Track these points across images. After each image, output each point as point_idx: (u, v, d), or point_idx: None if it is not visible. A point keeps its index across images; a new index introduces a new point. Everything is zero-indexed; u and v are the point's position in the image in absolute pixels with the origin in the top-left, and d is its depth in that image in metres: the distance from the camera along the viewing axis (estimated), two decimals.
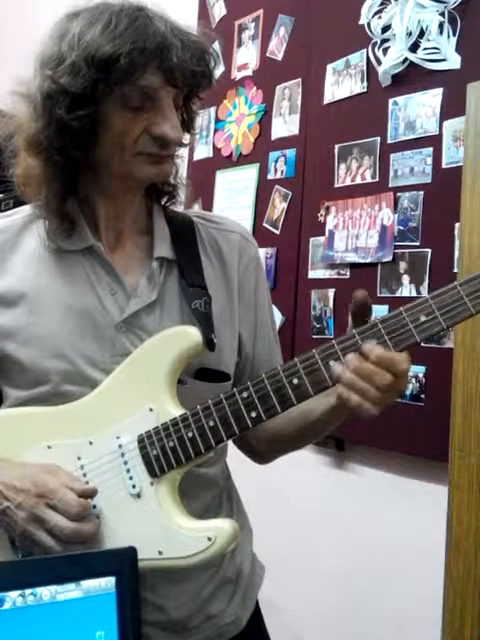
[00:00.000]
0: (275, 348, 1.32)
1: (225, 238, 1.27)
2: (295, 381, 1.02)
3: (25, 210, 1.23)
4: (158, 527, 1.07)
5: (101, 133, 1.09)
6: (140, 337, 1.15)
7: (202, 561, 1.04)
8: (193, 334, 1.10)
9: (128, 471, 1.10)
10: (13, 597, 0.83)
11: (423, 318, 0.96)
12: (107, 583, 0.86)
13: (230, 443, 1.30)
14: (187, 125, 1.20)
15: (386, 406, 1.00)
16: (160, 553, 1.05)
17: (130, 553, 0.88)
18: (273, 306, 1.38)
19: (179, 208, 1.29)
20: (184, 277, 1.18)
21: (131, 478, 1.09)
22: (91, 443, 1.12)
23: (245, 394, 1.05)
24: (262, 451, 1.31)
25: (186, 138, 1.21)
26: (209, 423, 1.06)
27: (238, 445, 1.32)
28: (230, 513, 1.28)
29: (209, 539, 1.04)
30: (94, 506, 1.09)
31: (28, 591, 0.83)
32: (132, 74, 1.04)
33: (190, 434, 1.07)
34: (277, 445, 1.28)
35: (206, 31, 1.15)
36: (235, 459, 1.35)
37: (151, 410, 1.10)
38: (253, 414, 1.04)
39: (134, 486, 1.09)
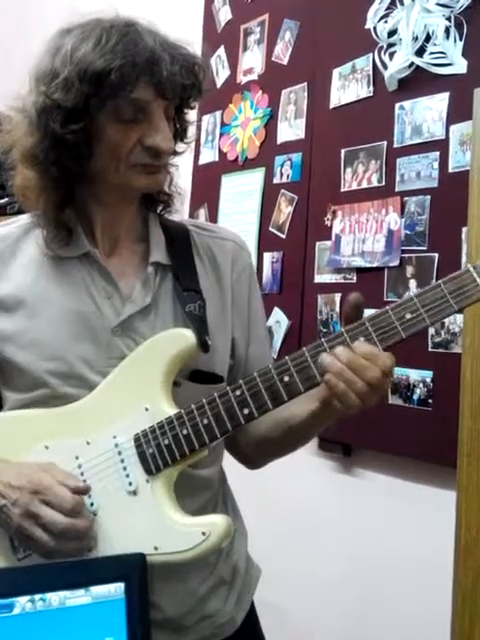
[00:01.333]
0: (267, 352, 1.36)
1: (219, 245, 1.30)
2: (286, 378, 1.06)
3: (24, 218, 1.27)
4: (153, 523, 1.09)
5: (95, 146, 1.13)
6: (135, 340, 1.18)
7: (197, 556, 1.07)
8: (188, 336, 1.14)
9: (125, 469, 1.12)
10: (23, 602, 0.83)
11: (408, 316, 1.02)
12: (116, 589, 0.86)
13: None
14: (181, 135, 1.24)
15: (368, 405, 1.05)
16: (156, 548, 1.07)
17: (139, 559, 0.88)
18: (280, 310, 1.40)
19: (175, 217, 1.32)
20: (179, 282, 1.21)
21: (128, 476, 1.12)
22: (88, 443, 1.15)
23: (238, 392, 1.08)
24: (251, 455, 1.33)
25: (181, 147, 1.24)
26: (203, 421, 1.09)
27: (230, 450, 1.35)
28: (225, 514, 1.29)
29: (203, 534, 1.06)
30: (92, 504, 1.11)
31: (38, 597, 0.83)
32: (123, 88, 1.07)
33: (185, 432, 1.10)
34: (264, 449, 1.31)
35: (203, 37, 1.18)
36: (240, 465, 1.35)
37: (147, 409, 1.13)
38: (246, 411, 1.08)
39: (130, 483, 1.11)
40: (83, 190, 1.19)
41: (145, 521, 1.10)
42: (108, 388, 1.15)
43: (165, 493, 1.11)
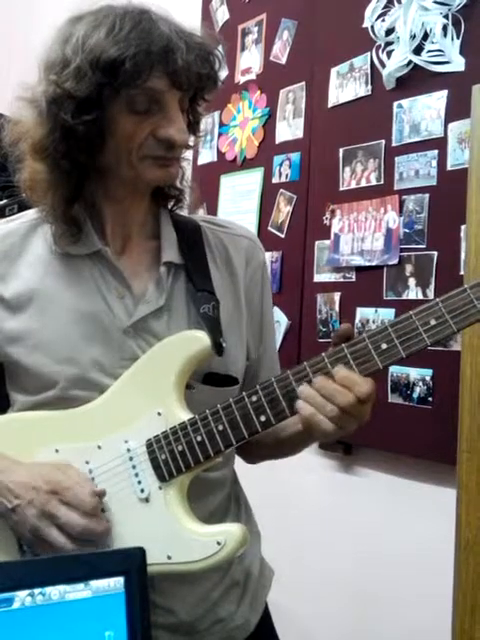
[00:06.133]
0: (276, 353, 1.34)
1: (233, 242, 1.27)
2: (304, 385, 1.02)
3: (30, 214, 1.23)
4: (167, 532, 1.06)
5: (107, 137, 1.09)
6: (148, 342, 1.14)
7: (211, 565, 1.04)
8: (202, 339, 1.10)
9: (136, 475, 1.10)
10: (22, 596, 0.83)
11: (433, 322, 0.96)
12: (116, 583, 0.86)
13: None
14: (193, 128, 1.21)
15: (346, 431, 1.03)
16: (169, 557, 1.05)
17: (138, 553, 0.88)
18: (280, 310, 1.38)
19: (185, 213, 1.29)
20: (192, 282, 1.18)
21: (139, 482, 1.09)
22: (99, 447, 1.12)
23: (254, 398, 1.04)
24: (244, 452, 1.32)
25: (191, 140, 1.21)
26: (218, 427, 1.06)
27: None
28: (237, 516, 1.28)
29: (218, 543, 1.03)
30: (103, 510, 1.09)
31: (37, 591, 0.83)
32: (137, 77, 1.04)
33: (199, 438, 1.06)
34: (255, 451, 1.30)
35: (211, 33, 1.15)
36: (242, 463, 1.35)
37: (160, 414, 1.09)
38: (262, 418, 1.04)
39: (142, 490, 1.09)
40: (93, 185, 1.16)
41: (158, 529, 1.07)
42: (120, 391, 1.12)
43: (178, 500, 1.08)
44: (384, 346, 0.99)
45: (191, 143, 1.20)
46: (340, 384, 0.99)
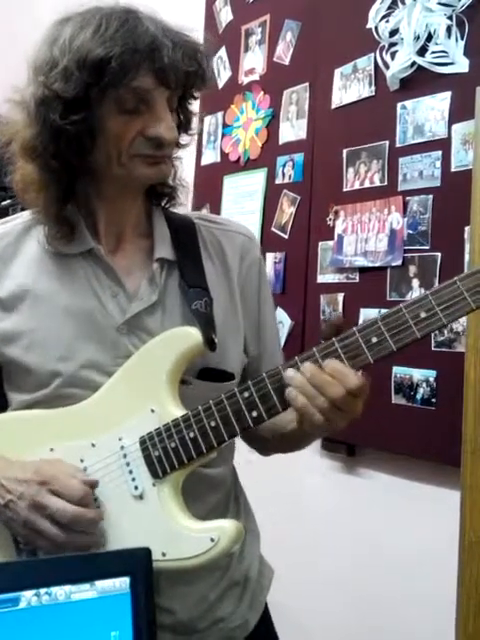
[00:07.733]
0: (278, 349, 1.34)
1: (228, 239, 1.27)
2: None
3: (25, 215, 1.23)
4: (161, 528, 1.07)
5: (96, 137, 1.09)
6: (142, 339, 1.15)
7: (206, 562, 1.04)
8: (193, 334, 1.10)
9: (130, 472, 1.10)
10: (28, 596, 0.83)
11: (423, 314, 0.97)
12: (121, 583, 0.86)
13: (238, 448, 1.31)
14: (184, 126, 1.21)
15: (336, 426, 1.02)
16: (163, 554, 1.05)
17: (144, 553, 0.88)
18: (283, 311, 1.38)
19: (181, 210, 1.30)
20: (185, 278, 1.18)
21: (133, 479, 1.10)
22: (93, 445, 1.12)
23: (246, 394, 1.05)
24: (255, 446, 1.33)
25: (184, 139, 1.21)
26: (211, 423, 1.06)
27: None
28: (236, 516, 1.28)
29: (212, 540, 1.03)
30: (97, 507, 1.09)
31: (43, 591, 0.83)
32: (124, 76, 1.04)
33: (192, 434, 1.07)
34: (264, 445, 1.31)
35: (209, 37, 1.17)
36: (243, 464, 1.35)
37: (153, 411, 1.10)
38: (254, 414, 1.05)
39: (136, 487, 1.09)
40: (85, 185, 1.16)
41: (152, 526, 1.07)
42: (113, 388, 1.13)
43: (172, 497, 1.08)
44: (374, 340, 0.99)
45: (183, 142, 1.21)
46: (330, 375, 0.99)
